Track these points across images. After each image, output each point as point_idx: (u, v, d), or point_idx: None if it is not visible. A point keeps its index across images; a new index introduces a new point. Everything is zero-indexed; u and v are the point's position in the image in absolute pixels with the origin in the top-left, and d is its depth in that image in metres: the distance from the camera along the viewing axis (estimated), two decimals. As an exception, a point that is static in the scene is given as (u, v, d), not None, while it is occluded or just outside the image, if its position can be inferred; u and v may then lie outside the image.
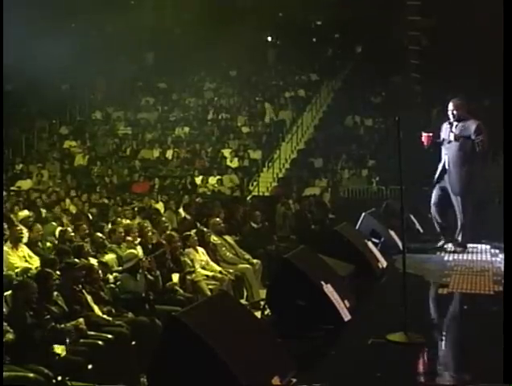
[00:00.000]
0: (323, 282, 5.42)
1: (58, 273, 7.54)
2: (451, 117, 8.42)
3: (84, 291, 6.97)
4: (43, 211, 13.17)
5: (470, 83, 17.03)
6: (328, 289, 5.40)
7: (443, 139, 8.48)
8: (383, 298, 6.45)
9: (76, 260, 7.61)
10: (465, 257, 8.30)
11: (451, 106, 8.44)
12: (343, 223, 8.00)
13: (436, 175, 8.63)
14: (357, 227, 8.61)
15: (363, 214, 8.94)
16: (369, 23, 22.77)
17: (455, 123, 8.38)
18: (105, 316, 6.95)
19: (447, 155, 8.47)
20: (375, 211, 9.66)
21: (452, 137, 8.36)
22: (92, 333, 6.45)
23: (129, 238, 9.65)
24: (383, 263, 7.40)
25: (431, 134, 8.22)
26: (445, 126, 8.55)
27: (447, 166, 8.50)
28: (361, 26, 23.51)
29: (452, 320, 5.72)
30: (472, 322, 5.47)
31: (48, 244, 9.58)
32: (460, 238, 8.68)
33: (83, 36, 21.89)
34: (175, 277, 8.36)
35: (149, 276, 7.72)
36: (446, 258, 8.32)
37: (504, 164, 4.73)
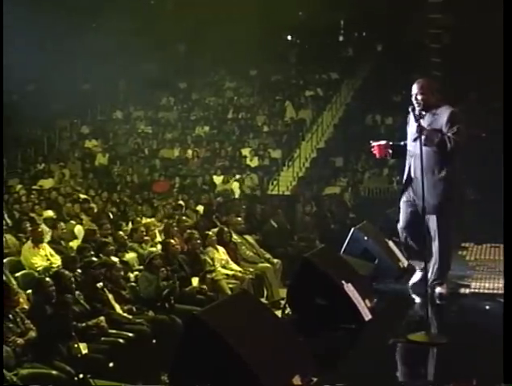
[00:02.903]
0: (343, 281, 5.40)
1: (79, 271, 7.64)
2: (415, 104, 5.95)
3: (105, 289, 7.03)
4: (65, 210, 13.26)
5: (492, 81, 16.90)
6: (349, 288, 5.38)
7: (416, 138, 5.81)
8: (404, 298, 6.41)
9: (95, 259, 7.69)
10: (487, 257, 8.24)
11: (415, 89, 6.02)
12: (363, 222, 7.97)
13: (402, 188, 6.31)
14: (380, 226, 8.52)
15: (387, 211, 8.87)
16: (390, 22, 22.67)
17: (422, 113, 5.91)
18: (125, 314, 7.00)
19: (412, 158, 6.03)
20: (396, 210, 9.59)
21: (417, 133, 5.73)
22: (113, 331, 6.51)
23: (147, 237, 9.72)
24: (404, 262, 7.36)
25: (382, 143, 6.19)
26: (410, 119, 6.12)
27: (412, 174, 6.06)
28: (382, 24, 23.42)
29: (473, 320, 5.67)
30: (493, 322, 5.43)
31: (71, 243, 9.68)
32: (435, 273, 6.14)
33: (103, 36, 22.02)
34: (195, 281, 8.42)
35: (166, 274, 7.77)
36: (468, 257, 8.27)
37: (504, 164, 4.68)
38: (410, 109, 5.84)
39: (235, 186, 18.01)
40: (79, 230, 10.80)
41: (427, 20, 20.94)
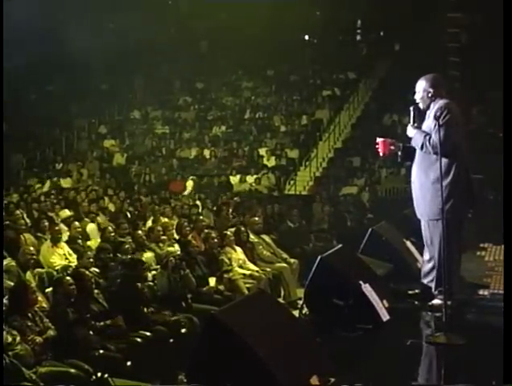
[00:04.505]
0: (361, 282, 5.39)
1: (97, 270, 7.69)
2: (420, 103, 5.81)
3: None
4: (83, 209, 13.33)
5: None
6: (367, 288, 5.36)
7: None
8: (422, 298, 6.37)
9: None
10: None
11: (418, 87, 5.86)
12: (381, 223, 7.93)
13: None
14: (398, 226, 8.46)
15: (405, 212, 8.81)
16: (407, 21, 22.54)
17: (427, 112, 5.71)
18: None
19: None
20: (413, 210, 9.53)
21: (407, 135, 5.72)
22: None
23: (164, 237, 9.74)
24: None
25: (389, 140, 5.77)
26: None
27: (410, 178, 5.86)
28: (399, 23, 23.30)
29: (492, 321, 5.63)
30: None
31: (89, 242, 9.74)
32: (435, 281, 5.70)
33: (121, 36, 22.14)
34: (212, 281, 8.44)
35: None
36: (487, 258, 8.21)
37: (504, 164, 4.63)
38: (411, 109, 5.74)
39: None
40: (96, 229, 10.86)
41: (445, 19, 20.79)
